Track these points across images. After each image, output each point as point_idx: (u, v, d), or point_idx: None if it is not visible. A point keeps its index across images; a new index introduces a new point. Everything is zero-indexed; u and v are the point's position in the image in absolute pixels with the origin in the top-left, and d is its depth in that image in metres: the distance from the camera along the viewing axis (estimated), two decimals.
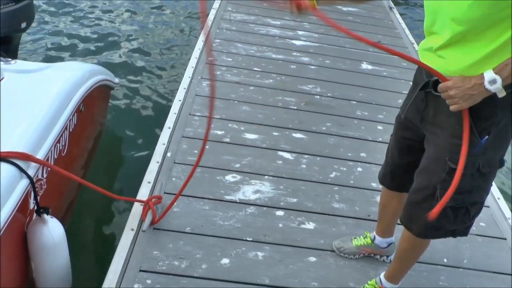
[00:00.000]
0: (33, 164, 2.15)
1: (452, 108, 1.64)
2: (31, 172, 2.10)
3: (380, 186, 3.08)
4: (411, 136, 2.01)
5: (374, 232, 2.54)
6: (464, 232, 2.01)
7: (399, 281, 2.29)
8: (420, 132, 1.94)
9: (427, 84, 1.79)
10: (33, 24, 4.61)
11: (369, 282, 2.36)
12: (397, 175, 2.17)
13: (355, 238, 2.60)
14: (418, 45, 1.88)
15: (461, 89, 1.59)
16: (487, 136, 1.71)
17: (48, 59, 5.16)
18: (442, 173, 1.81)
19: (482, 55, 1.61)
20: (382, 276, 2.32)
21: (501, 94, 1.58)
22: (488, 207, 3.12)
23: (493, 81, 1.54)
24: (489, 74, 1.54)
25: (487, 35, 1.59)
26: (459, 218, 1.91)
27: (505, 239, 2.90)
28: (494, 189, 3.29)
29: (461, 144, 1.71)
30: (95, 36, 5.84)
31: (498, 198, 3.20)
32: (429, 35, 1.77)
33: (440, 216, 1.85)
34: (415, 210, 1.96)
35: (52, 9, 6.34)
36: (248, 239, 2.61)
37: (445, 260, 2.68)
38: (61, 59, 5.19)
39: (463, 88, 1.59)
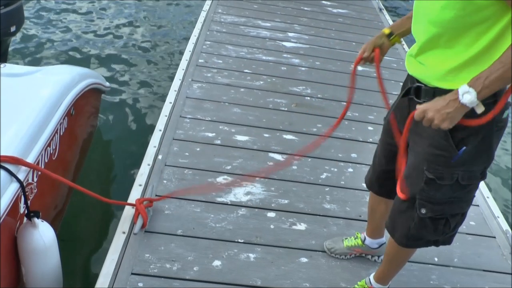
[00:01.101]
0: (23, 168, 2.15)
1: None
2: (21, 176, 2.10)
3: None
4: (394, 142, 2.00)
5: (365, 233, 2.56)
6: (448, 241, 2.00)
7: (388, 283, 2.31)
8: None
9: (410, 90, 1.80)
10: (23, 28, 4.60)
11: (358, 283, 2.38)
12: (385, 181, 2.17)
13: (346, 238, 2.61)
14: (408, 46, 1.89)
15: (437, 108, 1.55)
16: (464, 147, 1.68)
17: (38, 63, 5.15)
18: (420, 183, 1.80)
19: (459, 62, 1.61)
20: (371, 277, 2.33)
21: (479, 109, 1.53)
22: (477, 206, 3.15)
23: (466, 93, 1.49)
24: (462, 88, 1.50)
25: (461, 40, 1.59)
26: (439, 229, 1.89)
27: (495, 237, 2.92)
28: (483, 188, 3.32)
29: (439, 154, 1.70)
30: (85, 40, 5.83)
31: (488, 197, 3.22)
32: (415, 40, 1.79)
33: (420, 226, 1.86)
34: (398, 218, 1.97)
35: (43, 12, 6.32)
36: (239, 240, 2.61)
37: (436, 259, 2.70)
38: (52, 63, 5.18)
39: (439, 108, 1.55)
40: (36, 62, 5.18)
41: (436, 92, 1.68)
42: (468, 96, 1.49)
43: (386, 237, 2.44)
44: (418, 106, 1.64)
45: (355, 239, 2.58)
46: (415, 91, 1.77)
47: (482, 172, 1.80)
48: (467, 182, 1.78)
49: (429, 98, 1.70)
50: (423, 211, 1.84)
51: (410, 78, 1.83)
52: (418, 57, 1.74)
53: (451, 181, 1.73)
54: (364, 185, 3.09)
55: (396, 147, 2.00)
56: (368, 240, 2.53)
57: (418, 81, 1.77)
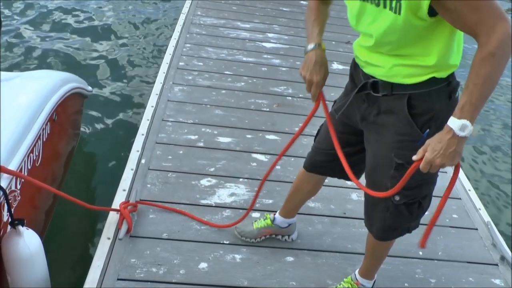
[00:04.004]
0: (5, 175, 2.13)
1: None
2: (3, 184, 2.09)
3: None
4: (347, 131, 2.04)
5: (276, 213, 2.59)
6: (417, 225, 2.05)
7: (373, 276, 2.33)
8: (357, 128, 1.98)
9: (365, 85, 1.83)
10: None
11: (344, 279, 2.39)
12: (331, 162, 2.16)
13: (255, 221, 2.65)
14: None
15: (440, 153, 1.52)
16: (428, 130, 1.73)
17: (18, 68, 5.09)
18: (390, 170, 1.83)
19: (413, 64, 1.68)
20: (357, 272, 2.36)
21: (475, 132, 1.57)
22: (459, 199, 3.19)
23: (463, 127, 1.49)
24: (455, 123, 1.50)
25: (411, 50, 1.67)
26: (414, 213, 1.94)
27: (477, 229, 2.97)
28: (465, 181, 3.36)
29: (405, 140, 1.74)
30: (65, 44, 5.78)
31: (469, 190, 3.27)
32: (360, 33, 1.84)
33: (396, 215, 1.91)
34: (372, 212, 2.00)
35: (22, 16, 6.26)
36: (225, 242, 2.62)
37: (421, 252, 2.73)
38: (32, 68, 5.13)
39: (442, 151, 1.52)
40: (15, 67, 5.13)
41: (394, 85, 1.74)
42: (466, 130, 1.49)
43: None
44: (418, 159, 1.59)
45: (264, 220, 2.62)
46: (372, 86, 1.81)
47: None
48: None
49: (387, 91, 1.76)
50: (397, 198, 1.87)
51: (362, 73, 1.86)
52: (369, 59, 1.80)
53: None
54: (348, 182, 3.12)
55: (345, 134, 2.04)
56: (279, 220, 2.57)
57: (373, 77, 1.81)
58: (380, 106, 1.82)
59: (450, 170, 3.40)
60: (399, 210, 1.91)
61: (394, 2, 1.55)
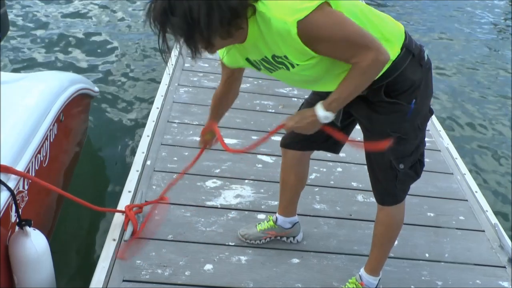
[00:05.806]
0: (13, 176, 2.14)
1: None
2: (11, 185, 2.09)
3: (361, 185, 3.14)
4: None
5: (276, 214, 2.59)
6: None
7: (379, 272, 2.33)
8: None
9: None
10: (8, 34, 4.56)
11: (349, 280, 2.38)
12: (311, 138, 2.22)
13: (259, 223, 2.65)
14: None
15: (300, 126, 1.85)
16: (414, 100, 1.88)
17: (25, 70, 5.11)
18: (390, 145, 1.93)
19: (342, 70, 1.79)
20: (362, 271, 2.34)
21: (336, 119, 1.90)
22: (466, 200, 3.18)
23: (327, 118, 1.78)
24: (322, 113, 1.77)
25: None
26: (418, 171, 2.10)
27: (484, 231, 2.95)
28: (471, 182, 3.35)
29: (397, 116, 1.89)
30: (73, 45, 5.80)
31: (476, 192, 3.25)
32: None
33: (405, 179, 2.06)
34: (382, 186, 2.09)
35: (27, 18, 6.28)
36: (230, 243, 2.61)
37: (427, 255, 2.72)
38: (39, 69, 5.14)
39: (303, 125, 1.84)
40: (22, 69, 5.15)
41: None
42: (328, 119, 1.79)
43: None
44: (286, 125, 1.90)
45: (267, 222, 2.62)
46: None
47: (429, 109, 2.03)
48: (423, 124, 2.01)
49: (367, 89, 1.82)
50: (402, 166, 2.01)
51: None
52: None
53: (414, 131, 1.95)
54: (354, 184, 3.15)
55: None
56: (281, 219, 2.57)
57: None
58: (366, 99, 1.92)
59: (456, 171, 3.40)
60: (407, 174, 2.05)
61: (291, 59, 1.69)
